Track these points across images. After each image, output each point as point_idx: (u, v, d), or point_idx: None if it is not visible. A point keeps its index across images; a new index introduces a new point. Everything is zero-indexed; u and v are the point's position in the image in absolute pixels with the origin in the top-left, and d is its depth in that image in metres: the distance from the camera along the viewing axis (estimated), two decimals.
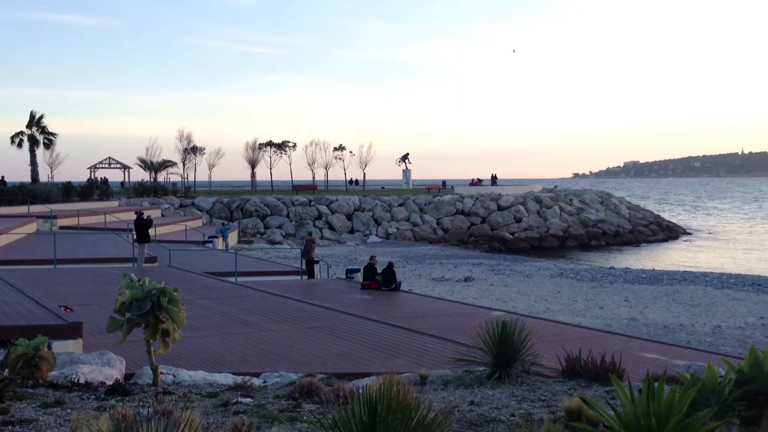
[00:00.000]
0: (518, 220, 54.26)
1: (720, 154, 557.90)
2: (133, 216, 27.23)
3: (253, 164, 75.84)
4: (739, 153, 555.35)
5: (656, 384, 5.52)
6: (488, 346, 8.17)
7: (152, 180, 66.95)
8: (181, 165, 71.10)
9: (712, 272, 31.63)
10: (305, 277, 23.77)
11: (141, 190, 58.97)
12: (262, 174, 78.40)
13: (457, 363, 8.49)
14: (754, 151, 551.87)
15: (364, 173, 77.35)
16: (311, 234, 27.58)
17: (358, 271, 22.17)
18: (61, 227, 37.22)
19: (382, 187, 77.25)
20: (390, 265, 20.25)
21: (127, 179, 68.85)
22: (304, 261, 24.34)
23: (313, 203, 53.91)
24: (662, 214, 69.50)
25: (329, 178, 78.77)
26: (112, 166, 68.54)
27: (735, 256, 45.04)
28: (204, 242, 34.74)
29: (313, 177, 76.62)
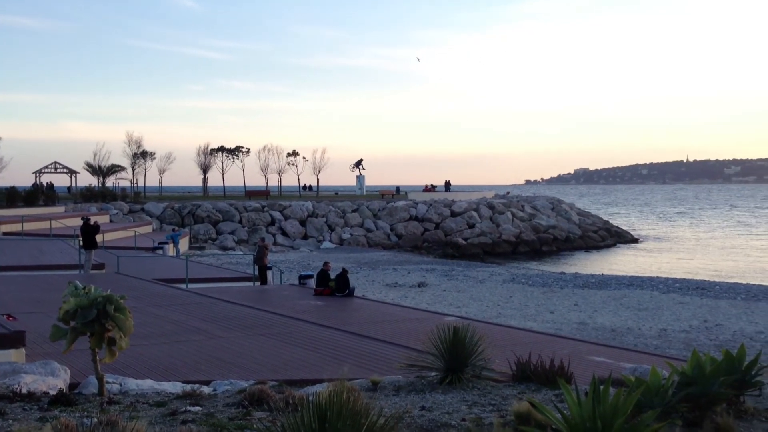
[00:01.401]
0: (471, 226, 54.76)
1: (666, 162, 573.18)
2: (79, 222, 26.59)
3: (205, 169, 74.93)
4: (684, 161, 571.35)
5: (602, 387, 5.63)
6: (440, 352, 8.22)
7: (100, 185, 65.58)
8: (130, 170, 69.90)
9: (658, 277, 32.42)
10: (258, 284, 23.56)
11: (89, 195, 57.68)
12: (215, 179, 77.62)
13: (409, 368, 8.51)
14: (698, 159, 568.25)
15: (318, 179, 77.16)
16: (264, 240, 27.35)
17: (311, 277, 22.06)
18: (5, 233, 36.13)
19: (336, 193, 77.09)
20: (344, 270, 20.21)
21: (74, 184, 67.28)
22: (256, 267, 24.12)
23: (266, 209, 53.49)
24: (611, 220, 71.00)
25: (282, 184, 78.35)
26: (58, 170, 66.89)
27: (681, 261, 46.27)
28: (154, 248, 34.15)
29: (267, 183, 76.07)
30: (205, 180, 75.38)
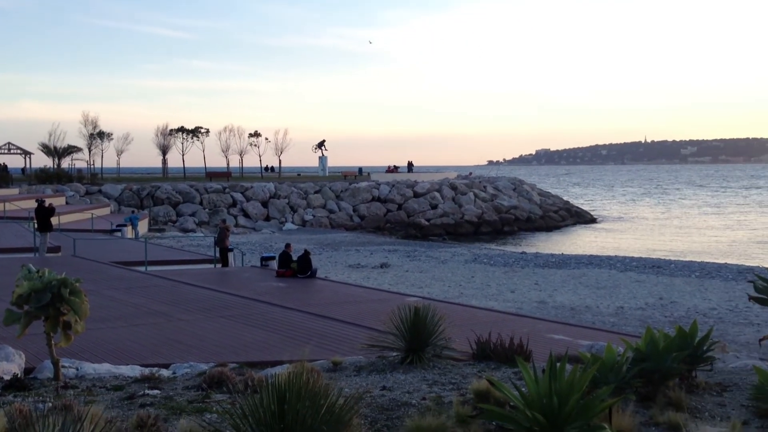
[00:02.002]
0: (434, 207, 55.00)
1: (625, 143, 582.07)
2: (34, 204, 26.00)
3: (164, 150, 73.77)
4: (642, 142, 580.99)
5: (558, 364, 5.72)
6: (401, 332, 8.27)
7: (56, 166, 64.17)
8: (86, 151, 68.53)
9: (616, 256, 33.02)
10: (219, 266, 23.37)
11: (44, 176, 56.41)
12: (174, 160, 76.75)
13: (370, 349, 8.55)
14: (656, 140, 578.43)
15: (280, 160, 76.58)
16: (225, 222, 27.10)
17: (273, 258, 21.95)
18: None
19: (299, 174, 76.65)
20: (306, 252, 20.15)
21: (28, 165, 65.68)
22: (217, 249, 23.91)
23: (227, 190, 52.95)
24: (571, 200, 71.98)
25: (244, 165, 77.60)
26: (12, 151, 65.18)
27: (639, 240, 47.18)
28: (112, 231, 33.59)
29: (228, 164, 75.27)
30: (164, 161, 74.27)
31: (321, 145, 79.48)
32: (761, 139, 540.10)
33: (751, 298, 6.45)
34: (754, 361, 7.45)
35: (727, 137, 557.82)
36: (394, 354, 8.18)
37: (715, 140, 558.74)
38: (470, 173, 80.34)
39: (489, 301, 19.02)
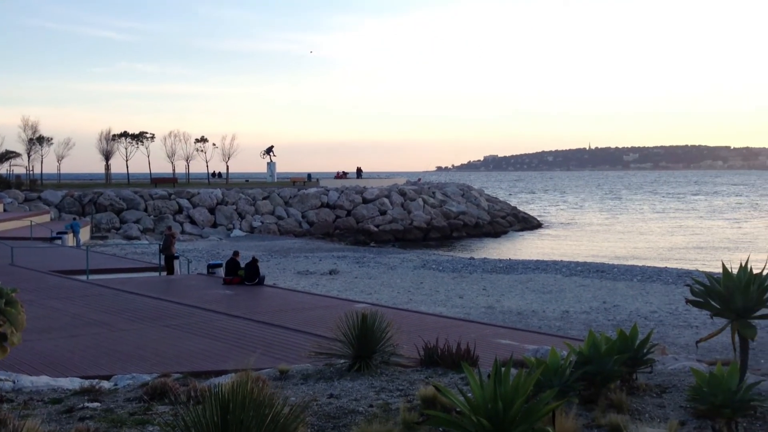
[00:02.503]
0: (383, 213, 55.11)
1: (570, 149, 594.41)
2: None
3: (107, 156, 72.10)
4: (587, 148, 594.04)
5: (503, 369, 5.77)
6: (348, 339, 8.24)
7: None
8: (25, 156, 66.53)
9: (562, 261, 33.60)
10: (164, 274, 22.93)
11: None
12: (118, 166, 74.79)
13: (317, 356, 8.49)
14: (600, 147, 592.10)
15: (228, 166, 75.65)
16: (171, 229, 26.62)
17: (220, 266, 21.64)
18: None
19: (247, 180, 75.86)
20: (253, 259, 19.94)
21: None
22: (163, 257, 23.46)
23: (173, 197, 52.03)
24: (519, 206, 73.07)
25: (191, 171, 76.37)
26: None
27: (583, 245, 48.15)
28: (52, 239, 32.64)
29: (174, 170, 73.99)
30: (107, 167, 72.55)
31: (269, 150, 78.88)
32: (699, 146, 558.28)
33: (688, 301, 6.62)
34: (691, 362, 7.66)
35: (668, 144, 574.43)
36: (342, 361, 8.15)
37: (656, 147, 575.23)
38: (419, 179, 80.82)
39: (438, 307, 19.12)
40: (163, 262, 23.35)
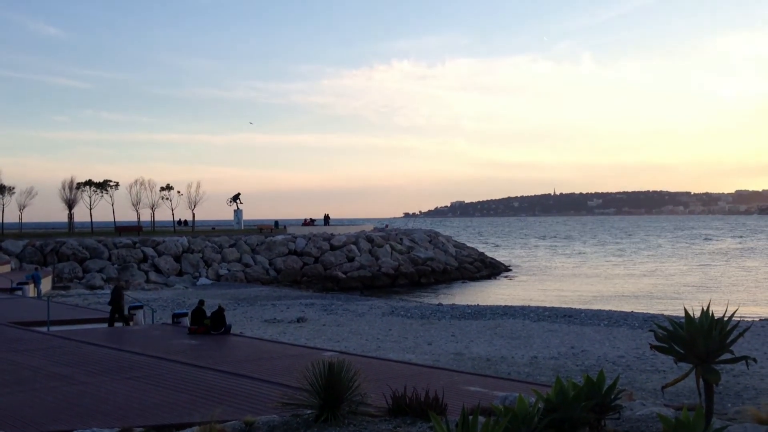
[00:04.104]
0: (351, 260, 54.97)
1: (535, 195, 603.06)
2: None
3: (70, 205, 71.00)
4: (552, 194, 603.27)
5: (471, 417, 5.72)
6: (315, 388, 8.12)
7: None
8: None
9: (529, 306, 33.74)
10: (120, 325, 22.18)
11: None
12: (82, 215, 73.64)
13: (284, 407, 8.34)
14: (564, 192, 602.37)
15: (194, 214, 75.01)
16: (120, 280, 26.15)
17: (185, 315, 21.25)
18: None
19: (213, 228, 75.26)
20: (220, 308, 19.66)
21: None
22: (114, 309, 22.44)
23: (137, 245, 51.33)
24: (486, 252, 73.49)
25: (156, 219, 75.54)
26: None
27: (550, 291, 48.45)
28: (12, 289, 31.84)
29: (139, 218, 73.11)
30: (70, 216, 71.39)
31: (236, 198, 78.55)
32: (660, 191, 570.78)
33: (652, 347, 6.67)
34: (659, 408, 7.68)
35: (630, 190, 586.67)
36: (309, 412, 8.01)
37: (619, 193, 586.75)
38: (386, 225, 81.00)
39: (406, 354, 18.98)
40: (117, 314, 22.28)
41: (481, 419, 5.74)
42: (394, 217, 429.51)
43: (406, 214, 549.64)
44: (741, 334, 6.35)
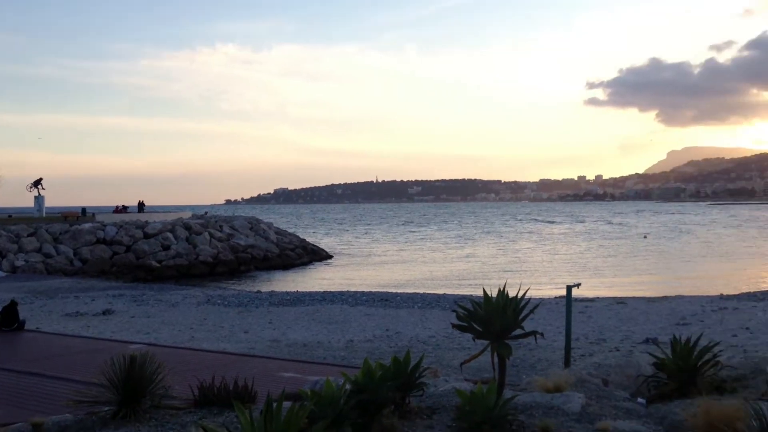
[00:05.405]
0: (166, 248, 52.72)
1: (358, 182, 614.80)
2: None
3: None
4: (374, 181, 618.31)
5: (276, 403, 5.60)
6: (114, 384, 7.69)
7: None
8: None
9: (348, 291, 34.25)
10: None
11: None
12: None
13: (78, 405, 7.82)
14: (386, 180, 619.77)
15: None
16: None
17: None
18: None
19: (10, 216, 68.77)
20: (12, 302, 17.97)
21: None
22: None
23: None
24: (308, 239, 73.64)
25: None
26: None
27: (370, 276, 49.61)
28: None
29: None
30: None
31: (37, 183, 72.32)
32: (474, 180, 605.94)
33: (454, 326, 6.94)
34: (459, 383, 8.04)
35: (447, 178, 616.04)
36: (106, 409, 7.55)
37: (437, 181, 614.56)
38: (206, 212, 78.58)
39: (221, 343, 18.49)
40: None
41: (289, 405, 5.64)
42: (216, 204, 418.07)
43: (228, 201, 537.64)
44: (531, 311, 6.79)
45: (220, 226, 60.19)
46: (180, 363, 13.04)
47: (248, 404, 7.38)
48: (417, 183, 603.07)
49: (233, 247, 56.28)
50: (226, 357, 14.34)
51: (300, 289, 36.54)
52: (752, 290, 32.46)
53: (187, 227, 56.75)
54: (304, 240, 70.02)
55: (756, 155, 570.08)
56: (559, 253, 67.15)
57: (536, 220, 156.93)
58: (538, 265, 55.56)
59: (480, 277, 45.88)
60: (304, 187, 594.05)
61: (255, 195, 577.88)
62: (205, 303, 28.68)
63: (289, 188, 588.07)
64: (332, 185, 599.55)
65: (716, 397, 7.26)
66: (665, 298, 29.35)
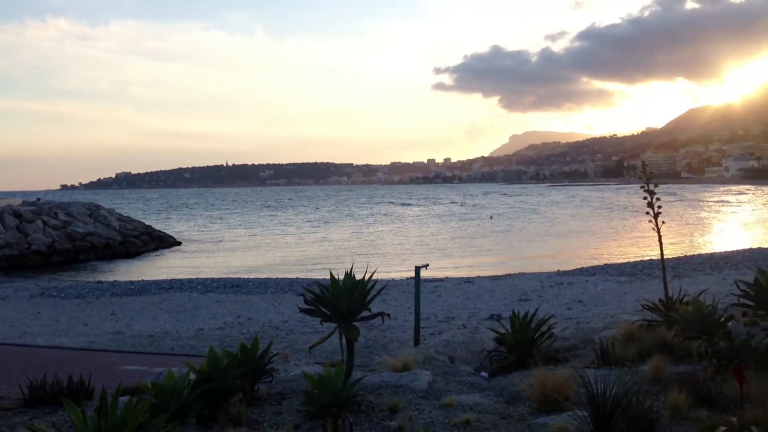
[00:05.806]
0: None
1: (207, 166, 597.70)
2: None
3: None
4: (224, 165, 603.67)
5: (111, 398, 5.30)
6: None
7: None
8: None
9: (197, 278, 33.21)
10: None
11: None
12: None
13: None
14: (237, 164, 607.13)
15: None
16: None
17: None
18: None
19: None
20: None
21: None
22: None
23: None
24: (154, 225, 70.59)
25: None
26: None
27: (221, 261, 48.43)
28: None
29: None
30: None
31: None
32: (327, 163, 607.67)
33: (301, 310, 6.88)
34: (309, 367, 8.01)
35: (299, 162, 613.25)
36: None
37: (289, 164, 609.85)
38: (38, 199, 73.19)
39: (58, 338, 17.32)
40: None
41: (127, 400, 5.35)
42: (49, 190, 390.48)
43: (65, 187, 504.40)
44: (378, 293, 6.87)
45: (55, 213, 56.29)
46: (9, 360, 12.12)
47: (84, 401, 6.97)
48: (269, 167, 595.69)
49: (70, 235, 52.86)
50: (62, 352, 13.49)
51: (146, 278, 34.98)
52: (585, 265, 35.02)
53: (17, 215, 52.57)
54: (149, 226, 67.03)
55: (588, 139, 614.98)
56: (410, 235, 68.90)
57: (392, 202, 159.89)
58: (391, 248, 56.69)
59: (333, 261, 46.11)
60: (149, 171, 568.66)
61: (95, 180, 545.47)
62: (39, 295, 26.77)
63: (133, 172, 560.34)
64: (180, 169, 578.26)
65: (551, 367, 7.73)
66: (509, 275, 30.96)
